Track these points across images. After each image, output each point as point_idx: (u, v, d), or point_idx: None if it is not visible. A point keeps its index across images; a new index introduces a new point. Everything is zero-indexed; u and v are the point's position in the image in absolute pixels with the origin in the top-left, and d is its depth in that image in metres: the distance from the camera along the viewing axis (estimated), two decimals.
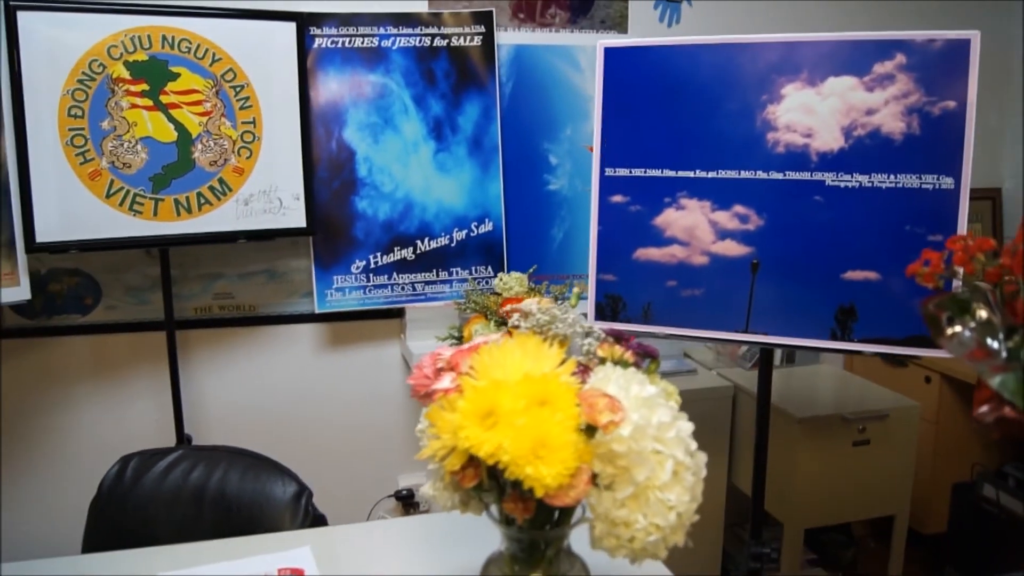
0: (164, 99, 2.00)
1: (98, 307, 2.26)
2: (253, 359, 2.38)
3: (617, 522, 0.96)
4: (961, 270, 0.89)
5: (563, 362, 0.99)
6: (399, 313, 2.46)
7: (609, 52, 1.73)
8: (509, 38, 2.43)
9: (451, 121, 2.36)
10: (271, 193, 2.14)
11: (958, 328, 0.80)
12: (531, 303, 1.16)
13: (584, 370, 1.05)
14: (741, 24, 2.55)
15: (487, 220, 2.41)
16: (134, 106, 1.97)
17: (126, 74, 1.96)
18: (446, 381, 0.95)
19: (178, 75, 2.01)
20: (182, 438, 2.21)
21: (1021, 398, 0.63)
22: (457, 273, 2.40)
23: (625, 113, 1.73)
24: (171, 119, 2.01)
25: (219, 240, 2.12)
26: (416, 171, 2.35)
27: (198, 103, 2.04)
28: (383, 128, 2.32)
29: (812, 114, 1.61)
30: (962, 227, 1.55)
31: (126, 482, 1.64)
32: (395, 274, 2.36)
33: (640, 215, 1.74)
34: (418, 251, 2.37)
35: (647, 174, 1.73)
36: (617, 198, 1.77)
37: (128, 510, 1.62)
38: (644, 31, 2.50)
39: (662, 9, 2.53)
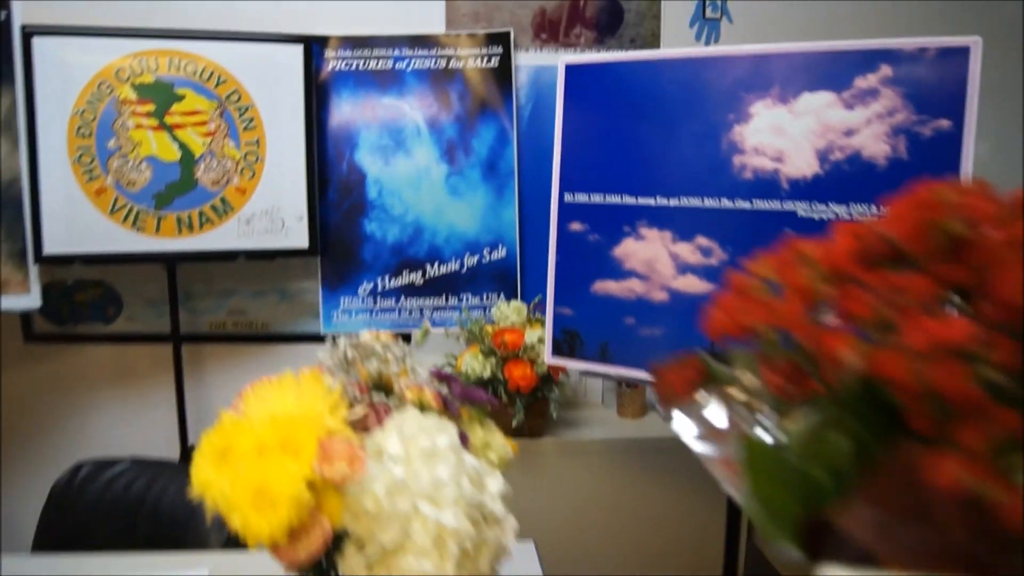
0: (169, 120, 2.06)
1: (119, 317, 2.35)
2: (262, 374, 2.40)
3: None
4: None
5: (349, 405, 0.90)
6: (407, 339, 2.41)
7: (570, 69, 1.61)
8: (529, 59, 2.34)
9: (465, 144, 2.30)
10: (273, 213, 2.16)
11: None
12: (367, 336, 1.07)
13: (379, 416, 0.95)
14: (789, 38, 2.34)
15: (500, 246, 2.33)
16: (139, 126, 2.04)
17: (133, 96, 2.04)
18: None
19: (183, 97, 2.07)
20: (186, 448, 2.25)
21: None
22: (468, 299, 2.32)
23: (586, 134, 1.60)
24: (175, 139, 2.07)
25: (219, 258, 2.16)
26: (427, 194, 2.30)
27: (202, 123, 2.09)
28: (395, 151, 2.29)
29: (783, 135, 1.43)
30: None
31: (74, 488, 1.68)
32: (403, 298, 2.32)
33: (599, 245, 1.60)
34: (427, 275, 2.32)
35: (607, 200, 1.59)
36: (576, 226, 1.64)
37: (71, 516, 1.65)
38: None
39: (699, 26, 2.36)
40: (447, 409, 0.98)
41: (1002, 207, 0.44)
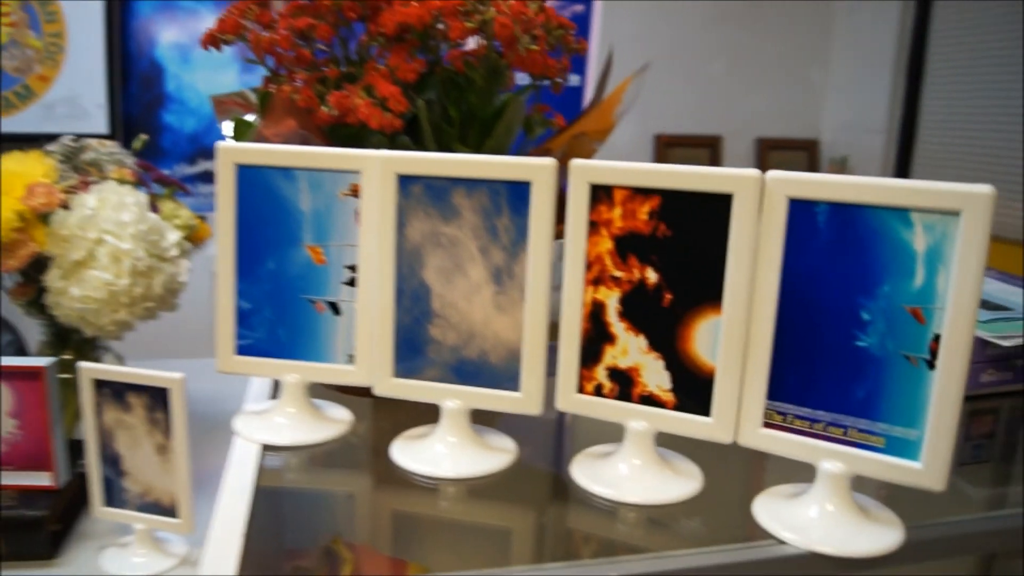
0: None
1: None
2: None
3: (57, 292, 1.20)
4: None
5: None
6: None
7: None
8: None
9: None
10: (75, 101, 2.41)
11: None
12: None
13: (86, 185, 1.28)
14: None
15: None
16: None
17: None
18: None
19: None
20: None
21: None
22: None
23: None
24: None
25: (22, 140, 2.39)
26: (223, 87, 2.59)
27: (5, 15, 2.31)
28: (191, 48, 2.57)
29: None
30: None
31: None
32: (199, 184, 2.61)
33: None
34: None
35: None
36: None
37: None
38: None
39: None
40: (142, 183, 1.33)
41: None
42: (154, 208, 1.41)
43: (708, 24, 3.00)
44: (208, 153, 2.60)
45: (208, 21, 2.56)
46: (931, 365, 0.55)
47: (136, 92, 2.54)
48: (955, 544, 0.61)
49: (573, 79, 1.88)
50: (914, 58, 2.85)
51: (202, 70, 2.58)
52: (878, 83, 2.97)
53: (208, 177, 2.62)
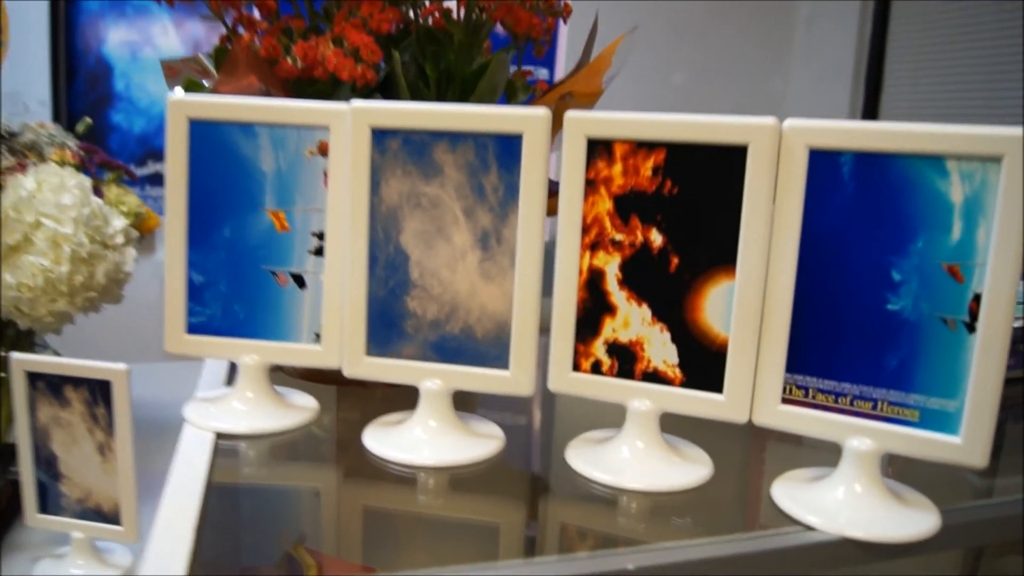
0: None
1: None
2: None
3: None
4: None
5: None
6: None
7: None
8: None
9: (211, 41, 2.50)
10: (15, 97, 2.28)
11: None
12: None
13: (24, 167, 1.19)
14: None
15: None
16: None
17: None
18: None
19: None
20: None
21: None
22: None
23: None
24: None
25: None
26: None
27: None
28: (142, 46, 2.46)
29: None
30: None
31: None
32: (147, 187, 2.50)
33: None
34: None
35: None
36: None
37: None
38: None
39: None
40: (85, 166, 1.23)
41: None
42: (98, 193, 1.32)
43: (668, 35, 2.99)
44: (158, 155, 2.49)
45: (159, 18, 2.47)
46: (971, 328, 0.50)
47: (82, 89, 2.42)
48: (992, 529, 0.55)
49: (541, 72, 1.83)
50: (873, 68, 2.87)
51: (153, 70, 2.47)
52: (838, 93, 2.98)
53: (158, 180, 2.50)
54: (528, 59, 0.80)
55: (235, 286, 0.66)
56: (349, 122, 0.61)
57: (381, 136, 0.61)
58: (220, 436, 0.64)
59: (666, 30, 2.98)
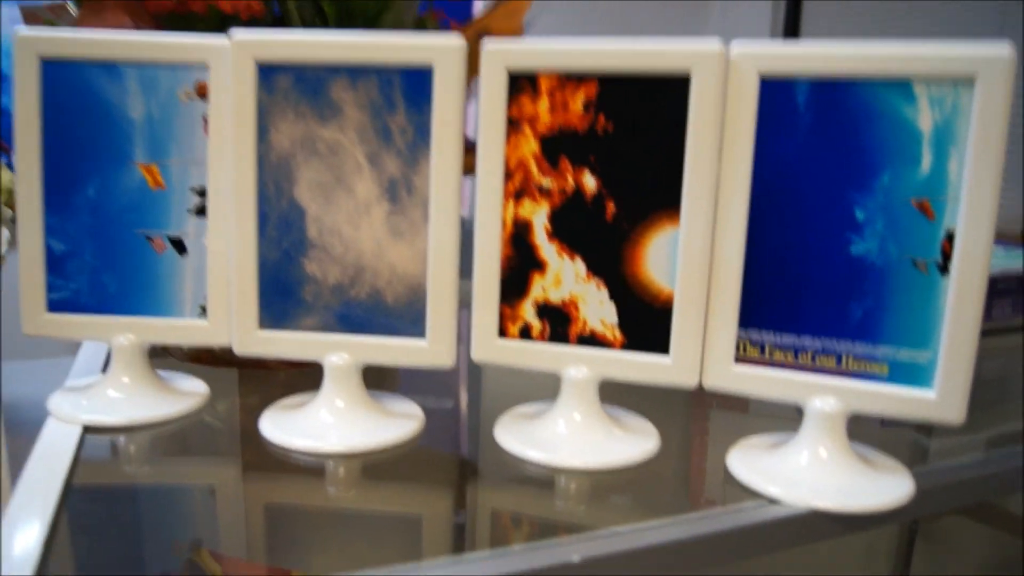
0: None
1: None
2: None
3: None
4: None
5: None
6: None
7: None
8: None
9: None
10: None
11: None
12: None
13: None
14: None
15: None
16: None
17: None
18: None
19: None
20: None
21: None
22: None
23: None
24: None
25: None
26: None
27: None
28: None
29: None
30: None
31: None
32: None
33: None
34: None
35: None
36: None
37: None
38: None
39: None
40: None
41: None
42: None
43: (578, 25, 2.93)
44: None
45: None
46: (943, 269, 0.44)
47: None
48: (964, 490, 0.51)
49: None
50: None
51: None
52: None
53: None
54: (444, 5, 0.72)
55: (103, 255, 0.56)
56: (230, 57, 0.52)
57: (268, 72, 0.52)
58: (90, 430, 0.54)
59: (576, 19, 2.92)
